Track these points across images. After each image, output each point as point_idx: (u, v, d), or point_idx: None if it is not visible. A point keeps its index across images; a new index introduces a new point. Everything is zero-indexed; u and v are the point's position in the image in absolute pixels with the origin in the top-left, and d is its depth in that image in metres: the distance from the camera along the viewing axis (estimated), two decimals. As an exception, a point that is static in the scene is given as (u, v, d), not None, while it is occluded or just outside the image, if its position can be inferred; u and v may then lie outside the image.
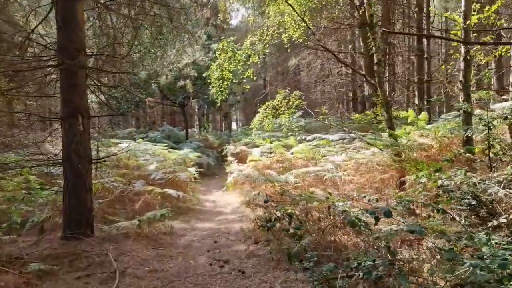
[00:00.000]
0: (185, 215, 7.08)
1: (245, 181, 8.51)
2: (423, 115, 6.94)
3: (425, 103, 11.94)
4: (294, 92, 8.32)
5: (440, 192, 4.11)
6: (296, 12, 6.62)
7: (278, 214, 4.86)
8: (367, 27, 10.15)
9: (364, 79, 11.64)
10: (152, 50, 7.53)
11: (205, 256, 4.73)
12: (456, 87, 5.33)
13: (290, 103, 8.13)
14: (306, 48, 13.22)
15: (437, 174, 3.99)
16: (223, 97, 8.99)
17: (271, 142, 10.76)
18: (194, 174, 8.57)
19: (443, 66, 6.29)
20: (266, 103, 8.61)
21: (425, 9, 11.62)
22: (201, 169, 9.98)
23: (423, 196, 4.20)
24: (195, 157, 10.56)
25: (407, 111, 6.84)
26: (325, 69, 20.03)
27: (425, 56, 12.10)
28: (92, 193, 5.40)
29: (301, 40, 8.16)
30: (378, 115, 6.72)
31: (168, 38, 7.05)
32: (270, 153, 9.59)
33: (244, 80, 9.01)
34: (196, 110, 27.74)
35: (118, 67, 6.16)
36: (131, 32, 6.16)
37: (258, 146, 10.78)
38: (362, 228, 3.40)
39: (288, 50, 11.27)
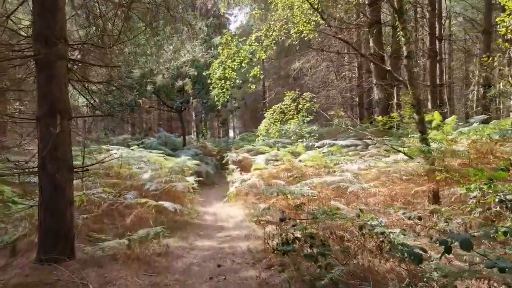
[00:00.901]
0: (182, 230, 6.24)
1: (249, 191, 7.71)
2: (453, 118, 6.20)
3: (438, 107, 11.24)
4: (304, 94, 7.54)
5: (498, 209, 3.33)
6: (309, 2, 5.90)
7: (296, 233, 4.07)
8: (380, 26, 9.43)
9: (374, 81, 10.95)
10: (147, 46, 6.73)
11: (207, 285, 3.90)
12: (501, 83, 4.58)
13: (300, 106, 7.34)
14: (311, 50, 12.51)
15: (496, 186, 3.21)
16: (225, 99, 8.19)
17: (277, 149, 9.98)
18: (193, 184, 7.74)
19: (485, 59, 5.57)
20: (273, 107, 7.80)
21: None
22: (200, 178, 9.16)
23: (478, 214, 3.41)
24: (194, 165, 9.75)
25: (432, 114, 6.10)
26: (330, 73, 19.33)
27: (438, 58, 11.43)
28: (73, 206, 4.58)
29: (311, 36, 7.43)
30: (404, 117, 6.00)
31: (165, 30, 6.25)
32: (276, 160, 8.80)
33: (250, 79, 8.22)
34: (194, 116, 26.95)
35: (107, 62, 5.37)
36: (123, 23, 5.37)
37: (262, 153, 9.99)
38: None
39: (297, 49, 10.49)
